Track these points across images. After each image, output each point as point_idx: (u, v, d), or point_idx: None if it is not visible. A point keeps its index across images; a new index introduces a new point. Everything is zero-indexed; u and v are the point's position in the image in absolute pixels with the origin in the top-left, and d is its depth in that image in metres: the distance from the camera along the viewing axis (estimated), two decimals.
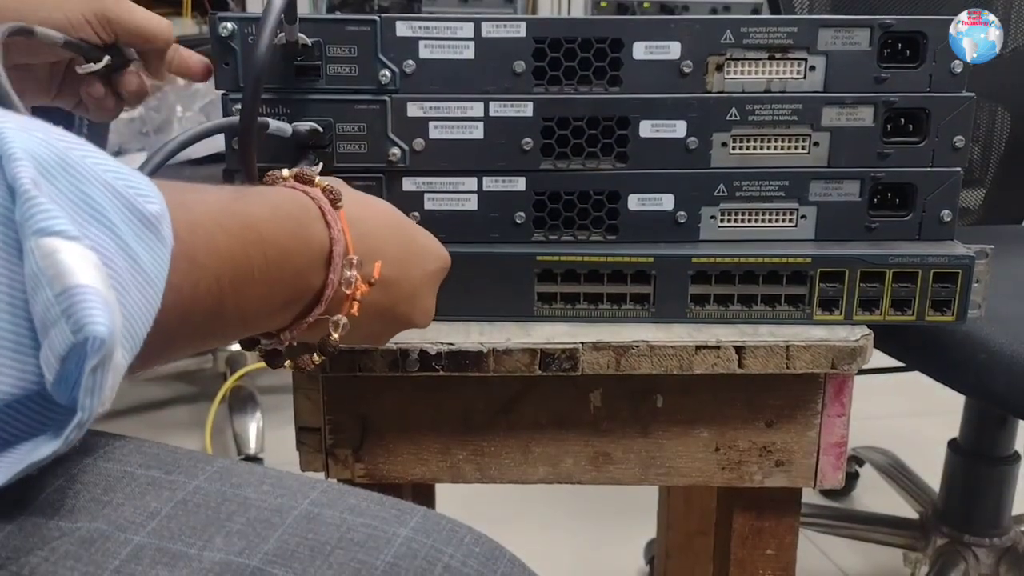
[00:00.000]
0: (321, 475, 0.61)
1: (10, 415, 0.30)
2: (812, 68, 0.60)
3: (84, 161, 0.30)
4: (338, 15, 0.63)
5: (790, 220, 0.62)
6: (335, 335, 0.45)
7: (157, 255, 0.31)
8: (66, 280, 0.27)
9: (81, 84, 0.60)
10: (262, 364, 1.97)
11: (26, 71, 0.59)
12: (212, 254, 0.36)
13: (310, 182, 0.45)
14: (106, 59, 0.58)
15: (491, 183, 0.61)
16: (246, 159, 0.50)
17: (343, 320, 0.45)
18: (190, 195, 0.37)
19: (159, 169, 0.45)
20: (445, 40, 0.58)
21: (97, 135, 1.17)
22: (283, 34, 0.55)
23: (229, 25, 0.57)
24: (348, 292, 0.44)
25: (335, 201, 0.44)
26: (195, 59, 0.63)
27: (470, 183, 0.60)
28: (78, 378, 0.28)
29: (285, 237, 0.41)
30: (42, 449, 0.30)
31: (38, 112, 0.39)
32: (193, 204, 0.36)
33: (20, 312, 0.28)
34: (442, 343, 0.58)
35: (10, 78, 0.45)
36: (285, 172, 0.46)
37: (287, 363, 0.48)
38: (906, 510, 1.36)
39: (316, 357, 0.47)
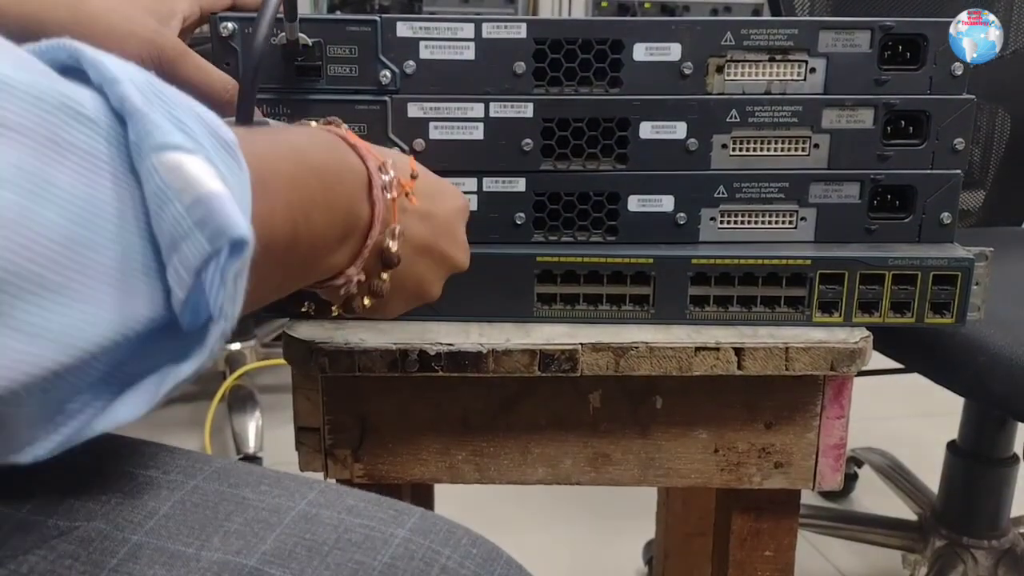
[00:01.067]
0: (320, 475, 0.61)
1: (135, 347, 0.29)
2: (812, 70, 0.60)
3: (168, 88, 0.30)
4: (339, 15, 0.63)
5: (790, 222, 0.62)
6: (394, 245, 0.44)
7: (241, 180, 0.31)
8: (196, 189, 0.27)
9: None
10: (262, 363, 1.95)
11: None
12: (279, 181, 0.36)
13: (337, 126, 0.46)
14: None
15: (491, 184, 0.61)
16: None
17: (397, 228, 0.44)
18: (245, 129, 0.36)
19: None
20: (446, 41, 0.58)
21: None
22: (283, 33, 0.55)
23: (229, 25, 0.57)
24: (393, 196, 0.43)
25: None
26: None
27: (470, 184, 0.60)
28: (198, 300, 0.28)
29: (331, 162, 0.41)
30: (183, 366, 0.30)
31: None
32: (251, 135, 0.36)
33: (145, 236, 0.28)
34: (442, 344, 0.58)
35: None
36: (312, 122, 0.47)
37: (334, 309, 0.48)
38: (905, 512, 1.36)
39: (367, 300, 0.47)
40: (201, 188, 0.27)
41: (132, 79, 0.28)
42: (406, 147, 0.59)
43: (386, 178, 0.43)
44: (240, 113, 0.49)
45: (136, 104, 0.28)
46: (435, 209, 0.49)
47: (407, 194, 0.45)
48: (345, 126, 0.46)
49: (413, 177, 0.46)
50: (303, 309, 0.48)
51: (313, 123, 0.47)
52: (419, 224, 0.47)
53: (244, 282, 0.29)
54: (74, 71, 0.29)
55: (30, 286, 0.25)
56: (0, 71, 0.25)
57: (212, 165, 0.28)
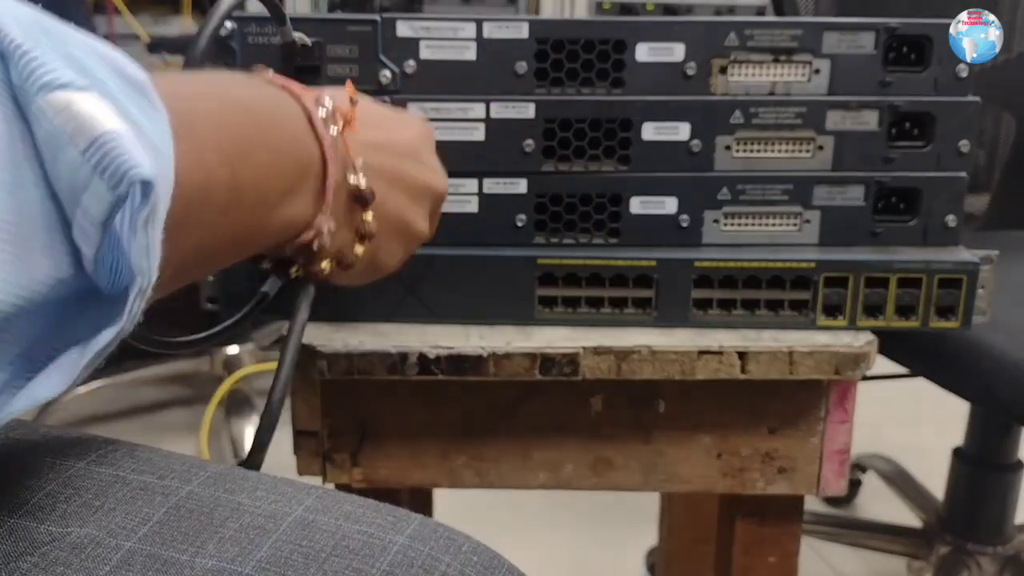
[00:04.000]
0: (318, 480, 0.61)
1: (51, 317, 0.26)
2: (817, 71, 0.60)
3: (60, 27, 0.26)
4: (339, 15, 0.63)
5: (794, 224, 0.62)
6: (362, 180, 0.41)
7: (156, 122, 0.27)
8: (91, 131, 0.24)
9: None
10: (260, 366, 1.95)
11: None
12: (207, 122, 0.32)
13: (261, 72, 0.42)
14: None
15: (492, 185, 0.60)
16: None
17: (360, 160, 0.41)
18: (157, 74, 0.32)
19: None
20: (446, 41, 0.58)
21: None
22: (280, 35, 0.55)
23: (228, 24, 0.57)
24: (339, 128, 0.40)
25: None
26: None
27: (471, 185, 0.60)
28: (115, 257, 0.25)
29: (261, 98, 0.38)
30: (104, 334, 0.27)
31: None
32: (167, 77, 0.32)
33: (43, 188, 0.25)
34: (441, 347, 0.57)
35: None
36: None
37: (295, 269, 0.43)
38: (909, 518, 1.35)
39: (359, 248, 0.43)
40: (96, 129, 0.24)
41: (15, 15, 0.25)
42: None
43: (324, 111, 0.40)
44: None
45: (15, 41, 0.24)
46: (393, 136, 0.45)
47: (349, 125, 0.41)
48: (271, 71, 0.42)
49: (353, 103, 0.42)
50: (262, 265, 0.44)
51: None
52: (376, 154, 0.43)
53: (158, 230, 0.26)
54: None
55: None
56: None
57: (110, 101, 0.25)
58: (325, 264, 0.43)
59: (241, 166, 0.34)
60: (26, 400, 0.27)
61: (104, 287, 0.27)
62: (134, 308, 0.27)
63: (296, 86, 0.40)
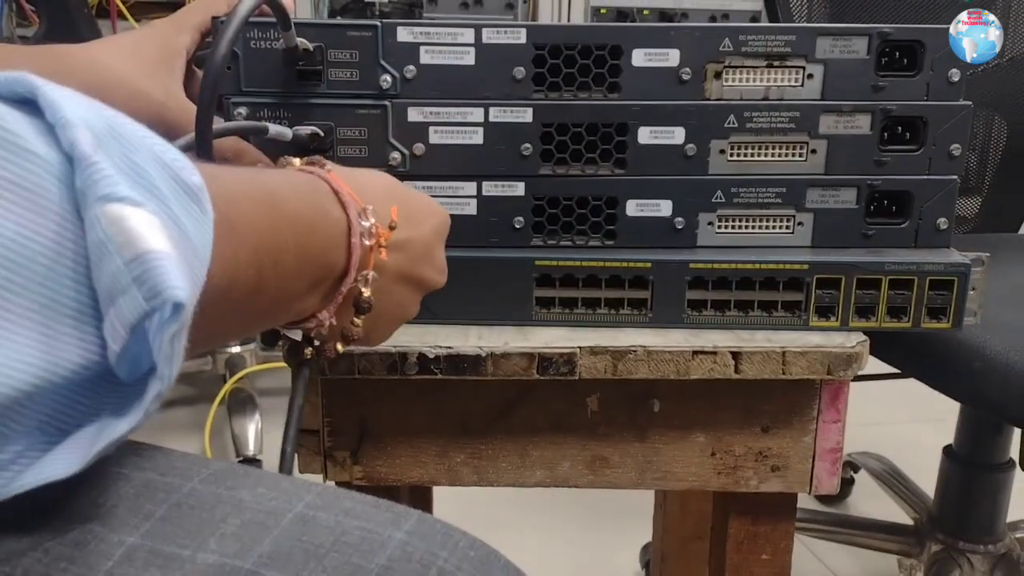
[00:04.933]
0: (319, 477, 0.61)
1: (70, 395, 0.29)
2: (810, 76, 0.60)
3: (130, 130, 0.29)
4: (340, 20, 0.63)
5: (787, 227, 0.63)
6: (367, 292, 0.45)
7: (202, 226, 0.30)
8: (137, 246, 0.27)
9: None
10: (262, 366, 1.95)
11: None
12: (248, 225, 0.36)
13: (321, 165, 0.46)
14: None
15: (490, 188, 0.61)
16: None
17: (372, 274, 0.45)
18: (218, 169, 0.36)
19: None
20: (446, 46, 0.58)
21: None
22: (282, 40, 0.56)
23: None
24: (371, 244, 0.44)
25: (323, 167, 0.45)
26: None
27: (469, 188, 0.61)
28: (138, 351, 0.28)
29: (308, 210, 0.41)
30: (119, 425, 0.29)
31: None
32: (224, 176, 0.36)
33: (83, 282, 0.27)
34: (440, 347, 0.58)
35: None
36: (296, 161, 0.47)
37: (308, 351, 0.48)
38: (901, 516, 1.36)
39: (340, 346, 0.48)
40: (142, 245, 0.27)
41: (87, 122, 0.28)
42: (406, 151, 0.60)
43: (366, 224, 0.44)
44: (197, 134, 0.48)
45: (85, 150, 0.27)
46: (414, 235, 0.49)
47: (381, 246, 0.45)
48: (329, 165, 0.46)
49: (391, 228, 0.47)
50: (279, 344, 0.49)
51: (296, 162, 0.47)
52: (396, 255, 0.47)
53: (182, 343, 0.29)
54: (32, 104, 0.28)
55: None
56: None
57: (161, 219, 0.28)
58: (339, 345, 0.48)
59: (270, 267, 0.37)
60: (36, 476, 0.29)
61: (124, 376, 0.29)
62: (150, 408, 0.29)
63: (347, 192, 0.44)
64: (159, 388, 0.29)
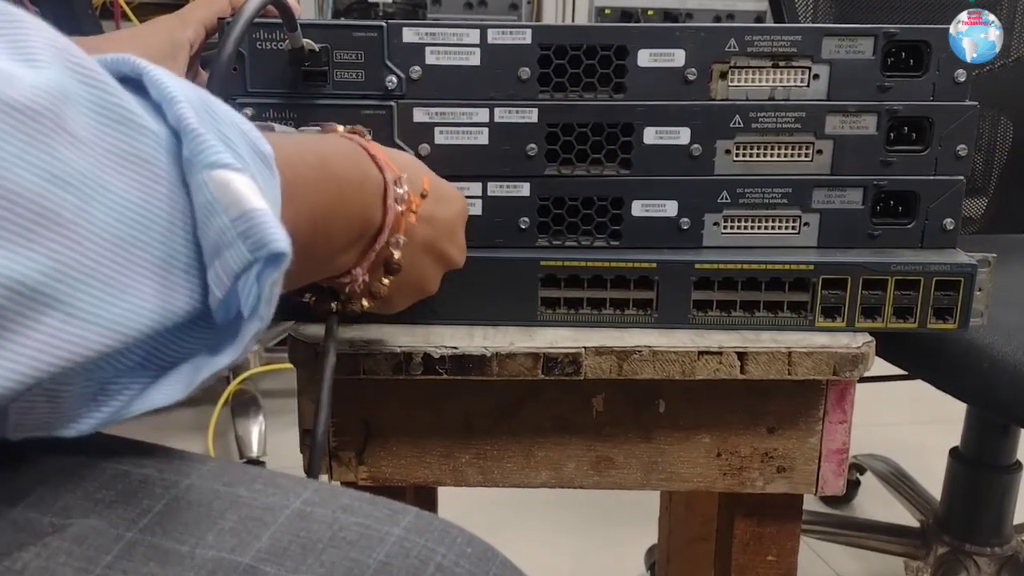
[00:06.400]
0: (324, 478, 0.61)
1: (170, 336, 0.33)
2: (816, 76, 0.60)
3: (218, 106, 0.33)
4: (345, 21, 0.63)
5: (793, 227, 0.62)
6: (397, 254, 0.48)
7: (273, 188, 0.34)
8: (243, 205, 0.31)
9: None
10: (266, 367, 1.95)
11: None
12: (306, 187, 0.40)
13: (361, 135, 0.50)
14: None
15: (496, 188, 0.61)
16: None
17: (403, 238, 0.48)
18: (278, 137, 0.39)
19: None
20: (451, 46, 0.58)
21: None
22: (288, 41, 0.56)
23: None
24: (403, 208, 0.47)
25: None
26: None
27: (475, 188, 0.61)
28: (232, 297, 0.32)
29: (353, 171, 0.45)
30: (218, 360, 0.33)
31: None
32: (283, 143, 0.39)
33: (189, 239, 0.31)
34: (446, 347, 0.58)
35: None
36: (340, 127, 0.51)
37: (334, 305, 0.51)
38: (907, 518, 1.35)
39: (366, 302, 0.50)
40: (246, 204, 0.31)
41: (188, 99, 0.31)
42: (411, 152, 0.60)
43: (400, 191, 0.47)
44: None
45: (191, 124, 0.31)
46: (439, 212, 0.52)
47: (412, 211, 0.48)
48: (368, 134, 0.50)
49: (423, 196, 0.50)
50: (304, 299, 0.52)
51: (340, 128, 0.50)
52: (424, 226, 0.50)
53: (279, 288, 0.32)
54: (133, 83, 0.32)
55: (85, 278, 0.28)
56: (72, 88, 0.28)
57: (255, 182, 0.32)
58: (366, 302, 0.50)
59: (322, 224, 0.42)
60: (145, 403, 0.33)
61: (218, 319, 0.33)
62: (249, 346, 0.34)
63: (384, 159, 0.47)
64: (258, 327, 0.33)
